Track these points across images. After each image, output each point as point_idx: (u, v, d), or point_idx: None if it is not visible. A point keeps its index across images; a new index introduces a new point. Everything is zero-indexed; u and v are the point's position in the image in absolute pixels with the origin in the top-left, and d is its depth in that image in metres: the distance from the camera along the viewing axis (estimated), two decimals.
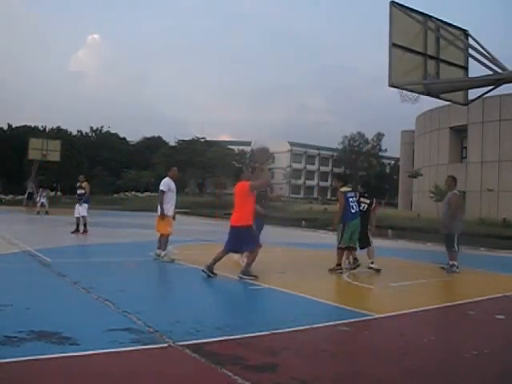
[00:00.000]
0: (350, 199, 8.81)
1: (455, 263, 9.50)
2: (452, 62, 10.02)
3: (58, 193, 49.05)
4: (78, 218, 15.04)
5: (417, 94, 9.54)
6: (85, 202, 15.15)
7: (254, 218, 7.82)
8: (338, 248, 8.86)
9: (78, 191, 15.44)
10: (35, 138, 40.56)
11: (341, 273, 8.56)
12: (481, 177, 36.75)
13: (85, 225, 14.99)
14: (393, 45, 8.96)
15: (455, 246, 9.71)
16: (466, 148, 39.61)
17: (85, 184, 15.31)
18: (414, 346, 4.40)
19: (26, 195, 34.71)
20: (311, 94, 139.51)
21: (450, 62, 9.97)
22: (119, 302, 5.34)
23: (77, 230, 14.89)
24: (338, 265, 8.80)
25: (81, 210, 15.00)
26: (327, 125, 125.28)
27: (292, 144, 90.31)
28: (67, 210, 27.94)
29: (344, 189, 8.87)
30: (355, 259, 9.08)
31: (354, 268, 8.90)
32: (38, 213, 26.43)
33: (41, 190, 28.75)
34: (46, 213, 26.61)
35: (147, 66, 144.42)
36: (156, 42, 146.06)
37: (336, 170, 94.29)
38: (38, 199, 28.36)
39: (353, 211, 8.77)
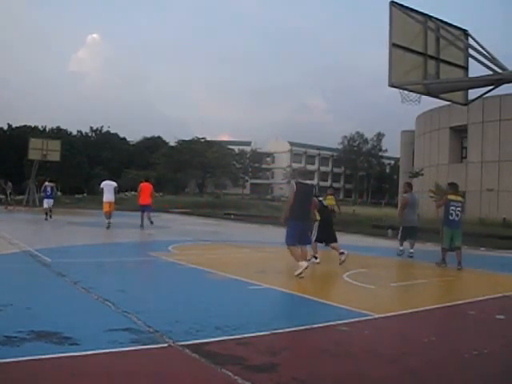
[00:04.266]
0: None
1: (402, 249, 12.15)
2: (452, 62, 10.02)
3: (58, 193, 49.04)
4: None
5: (419, 95, 9.54)
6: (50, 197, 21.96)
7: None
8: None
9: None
10: (35, 138, 40.52)
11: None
12: (481, 177, 36.74)
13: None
14: (393, 45, 8.96)
15: (400, 234, 12.38)
16: (465, 148, 39.60)
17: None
18: (413, 346, 4.40)
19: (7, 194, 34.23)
20: (311, 94, 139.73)
21: (449, 61, 9.97)
22: (119, 302, 5.33)
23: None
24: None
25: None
26: (327, 125, 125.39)
27: (292, 144, 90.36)
28: (67, 209, 28.00)
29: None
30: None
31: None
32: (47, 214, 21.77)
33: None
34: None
35: (147, 66, 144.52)
36: (156, 42, 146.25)
37: (336, 169, 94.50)
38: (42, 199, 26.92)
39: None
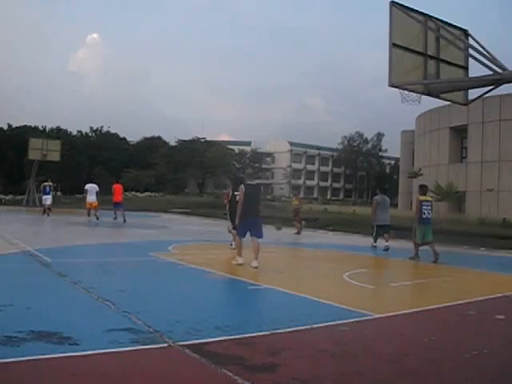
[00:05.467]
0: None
1: (375, 245, 13.45)
2: (452, 62, 10.02)
3: (58, 193, 49.04)
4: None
5: (419, 95, 9.54)
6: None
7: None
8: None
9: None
10: (35, 138, 40.47)
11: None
12: (481, 177, 36.74)
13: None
14: (393, 45, 8.96)
15: (374, 232, 13.80)
16: (465, 148, 39.60)
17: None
18: (413, 345, 4.41)
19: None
20: (311, 94, 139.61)
21: (450, 61, 9.97)
22: (119, 302, 5.34)
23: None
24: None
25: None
26: (327, 125, 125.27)
27: (292, 144, 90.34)
28: (67, 209, 27.99)
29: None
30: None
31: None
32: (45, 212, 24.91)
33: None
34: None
35: (147, 66, 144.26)
36: (156, 42, 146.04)
37: (336, 169, 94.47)
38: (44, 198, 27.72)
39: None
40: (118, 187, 21.77)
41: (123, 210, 21.10)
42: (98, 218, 20.33)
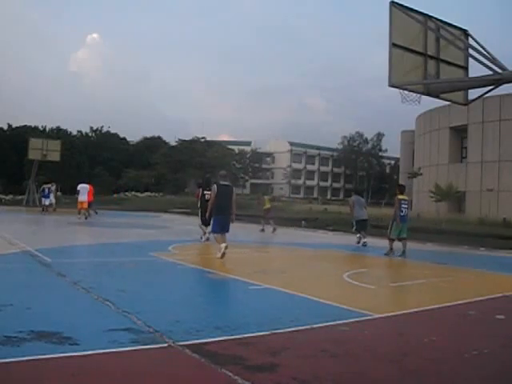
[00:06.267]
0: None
1: (362, 239, 14.89)
2: (452, 62, 10.02)
3: (58, 193, 49.02)
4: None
5: (419, 95, 9.54)
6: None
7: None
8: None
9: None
10: (35, 138, 40.48)
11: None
12: (481, 177, 36.73)
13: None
14: (393, 45, 8.96)
15: (354, 227, 15.57)
16: (465, 148, 39.59)
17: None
18: (413, 345, 4.40)
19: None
20: (311, 94, 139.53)
21: (450, 61, 9.98)
22: (119, 302, 5.34)
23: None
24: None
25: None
26: (327, 125, 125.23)
27: (292, 144, 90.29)
28: (67, 209, 27.99)
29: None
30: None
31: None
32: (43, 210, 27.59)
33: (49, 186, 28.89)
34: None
35: (147, 66, 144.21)
36: (156, 42, 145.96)
37: (336, 169, 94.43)
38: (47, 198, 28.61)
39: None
40: (88, 188, 24.45)
41: (94, 208, 24.83)
42: (86, 218, 21.64)
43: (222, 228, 9.77)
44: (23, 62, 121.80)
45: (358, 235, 15.27)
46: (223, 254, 9.43)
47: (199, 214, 13.42)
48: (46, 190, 27.99)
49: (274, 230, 19.03)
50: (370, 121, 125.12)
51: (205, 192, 13.00)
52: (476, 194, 36.48)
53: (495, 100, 32.83)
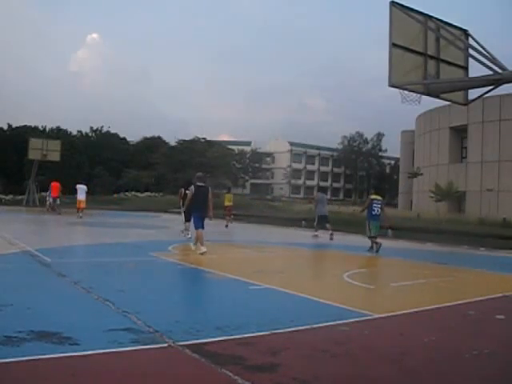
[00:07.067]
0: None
1: (316, 234, 16.61)
2: (452, 62, 10.02)
3: (42, 193, 48.97)
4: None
5: (419, 95, 9.53)
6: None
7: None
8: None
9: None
10: (35, 138, 40.46)
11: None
12: (481, 177, 36.76)
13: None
14: (393, 45, 8.96)
15: (316, 222, 17.12)
16: (466, 148, 39.62)
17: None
18: (414, 345, 4.40)
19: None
20: (311, 94, 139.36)
21: (450, 61, 9.97)
22: (119, 302, 5.34)
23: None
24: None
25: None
26: (327, 125, 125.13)
27: (292, 144, 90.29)
28: (67, 209, 27.97)
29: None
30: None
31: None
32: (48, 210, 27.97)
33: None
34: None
35: (147, 66, 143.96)
36: (156, 42, 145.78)
37: (336, 169, 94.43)
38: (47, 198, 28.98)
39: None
40: (55, 185, 27.18)
41: (59, 204, 27.06)
42: (81, 217, 22.63)
43: (202, 224, 10.65)
44: (23, 61, 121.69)
45: (315, 233, 16.64)
46: (202, 252, 10.27)
47: (182, 212, 14.59)
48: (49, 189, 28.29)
49: (227, 226, 20.83)
50: (370, 121, 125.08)
51: (186, 192, 13.87)
52: (476, 194, 36.50)
53: (495, 100, 32.86)
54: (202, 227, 10.64)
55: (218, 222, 20.18)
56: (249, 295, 6.50)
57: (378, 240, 12.63)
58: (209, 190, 11.01)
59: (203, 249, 10.20)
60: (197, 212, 10.87)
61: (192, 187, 11.03)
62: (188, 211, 11.51)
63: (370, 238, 12.75)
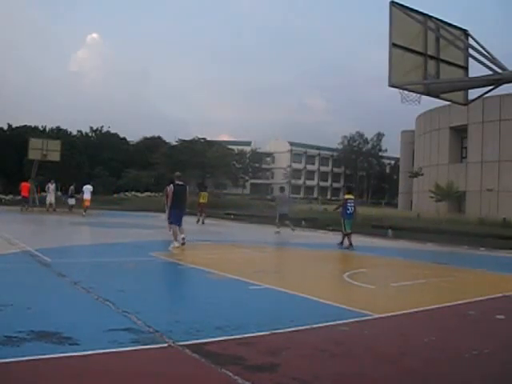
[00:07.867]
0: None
1: (278, 230, 17.97)
2: (452, 62, 10.01)
3: (59, 193, 48.99)
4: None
5: (419, 95, 9.52)
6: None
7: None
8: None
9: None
10: (35, 138, 40.42)
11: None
12: (481, 177, 36.76)
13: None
14: (393, 45, 8.95)
15: (277, 219, 18.57)
16: (466, 148, 39.62)
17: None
18: (413, 345, 4.40)
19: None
20: (311, 94, 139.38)
21: (450, 61, 9.96)
22: (119, 302, 5.34)
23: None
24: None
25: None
26: (327, 125, 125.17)
27: (292, 144, 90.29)
28: (67, 209, 27.99)
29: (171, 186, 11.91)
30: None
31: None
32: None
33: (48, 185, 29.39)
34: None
35: (147, 66, 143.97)
36: (156, 42, 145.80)
37: (336, 169, 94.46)
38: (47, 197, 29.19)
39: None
40: (25, 185, 28.33)
41: (31, 203, 28.35)
42: (84, 215, 23.74)
43: (178, 220, 11.44)
44: (23, 62, 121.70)
45: (277, 229, 17.98)
46: (183, 243, 11.20)
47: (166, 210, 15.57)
48: (70, 191, 29.17)
49: (198, 221, 22.35)
50: (369, 121, 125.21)
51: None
52: (476, 194, 36.50)
53: (495, 100, 32.86)
54: (180, 224, 11.37)
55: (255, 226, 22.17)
56: (249, 295, 6.50)
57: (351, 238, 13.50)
58: (187, 188, 11.90)
59: (176, 244, 11.06)
60: (176, 208, 11.51)
61: (171, 186, 11.67)
62: (169, 209, 11.98)
63: (346, 235, 13.51)
